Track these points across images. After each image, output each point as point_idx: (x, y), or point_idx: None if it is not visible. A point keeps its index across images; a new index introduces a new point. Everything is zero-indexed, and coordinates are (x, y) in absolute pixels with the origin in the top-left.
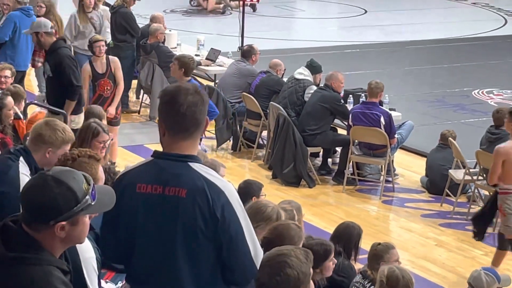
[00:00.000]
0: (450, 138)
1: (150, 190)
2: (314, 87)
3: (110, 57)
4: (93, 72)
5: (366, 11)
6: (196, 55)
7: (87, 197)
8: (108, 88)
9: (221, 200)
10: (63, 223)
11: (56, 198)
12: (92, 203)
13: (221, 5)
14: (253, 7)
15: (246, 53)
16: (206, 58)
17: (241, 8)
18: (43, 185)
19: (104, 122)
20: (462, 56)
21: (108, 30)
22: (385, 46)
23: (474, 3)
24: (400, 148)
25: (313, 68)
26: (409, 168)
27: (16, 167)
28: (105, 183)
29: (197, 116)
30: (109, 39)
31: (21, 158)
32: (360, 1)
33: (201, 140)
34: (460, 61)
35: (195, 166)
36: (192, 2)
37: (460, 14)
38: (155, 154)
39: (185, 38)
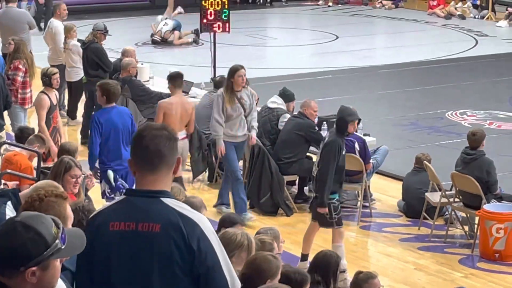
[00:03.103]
0: (425, 162)
1: (123, 227)
2: (288, 115)
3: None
4: (51, 104)
5: (337, 37)
6: None
7: (57, 241)
8: (58, 119)
9: (196, 233)
10: (34, 268)
11: (26, 244)
12: (63, 247)
13: (189, 39)
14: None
15: (219, 83)
16: None
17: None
18: (12, 231)
19: (78, 156)
20: (434, 78)
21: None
22: (357, 71)
23: (444, 25)
24: (376, 172)
25: (286, 96)
26: (386, 193)
27: (3, 210)
28: (79, 222)
29: (161, 148)
30: (255, 123)
31: (9, 203)
32: (331, 28)
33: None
34: (433, 83)
35: (167, 201)
36: (154, 37)
37: (431, 36)
38: (127, 192)
39: (158, 70)
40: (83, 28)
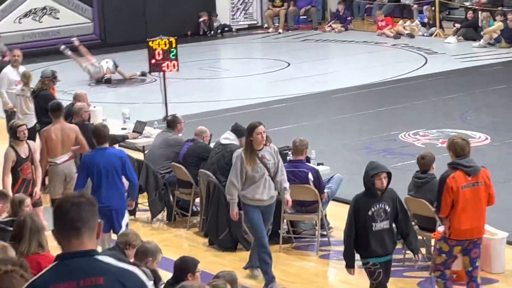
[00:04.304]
0: None
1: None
2: (240, 151)
3: (29, 141)
4: (18, 157)
5: (289, 64)
6: (123, 128)
7: None
8: (29, 171)
9: (137, 282)
10: None
11: None
12: None
13: (137, 72)
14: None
15: (171, 123)
16: (133, 131)
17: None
18: None
19: (29, 207)
20: (386, 99)
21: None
22: (310, 98)
23: (394, 45)
24: (333, 200)
25: (238, 131)
26: (343, 220)
27: None
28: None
29: (81, 213)
30: (286, 183)
31: None
32: (282, 55)
33: (135, 212)
34: (385, 104)
35: (102, 257)
36: (106, 77)
37: (382, 57)
38: (58, 257)
39: (111, 111)
40: (38, 71)
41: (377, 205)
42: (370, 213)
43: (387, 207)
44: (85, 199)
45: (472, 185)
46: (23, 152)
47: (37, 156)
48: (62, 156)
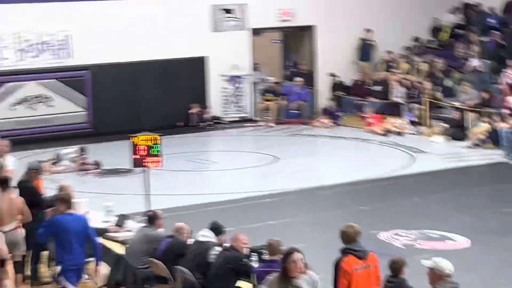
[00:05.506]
0: None
1: None
2: (218, 248)
3: None
4: None
5: (278, 159)
6: (105, 221)
7: None
8: None
9: None
10: None
11: None
12: None
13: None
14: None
15: (151, 219)
16: (116, 225)
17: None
18: None
19: None
20: (371, 197)
21: None
22: (295, 194)
23: (382, 142)
24: None
25: (216, 230)
26: None
27: None
28: None
29: None
30: None
31: None
32: (271, 149)
33: None
34: (369, 203)
35: None
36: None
37: (370, 154)
38: None
39: (95, 202)
40: (30, 158)
41: None
42: None
43: None
44: None
45: (364, 267)
46: None
47: None
48: (9, 225)
